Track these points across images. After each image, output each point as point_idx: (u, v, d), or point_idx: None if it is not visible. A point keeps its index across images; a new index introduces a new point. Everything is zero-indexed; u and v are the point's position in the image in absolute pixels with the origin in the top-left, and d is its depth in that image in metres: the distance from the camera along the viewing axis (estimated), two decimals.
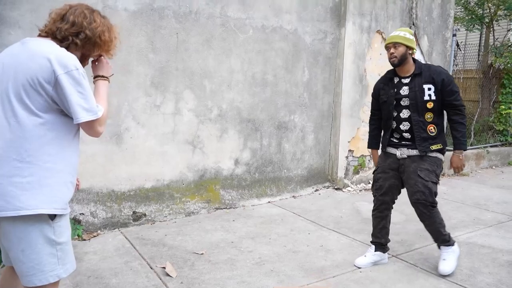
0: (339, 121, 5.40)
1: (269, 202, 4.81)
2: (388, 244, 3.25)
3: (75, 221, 3.60)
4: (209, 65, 4.34)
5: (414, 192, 2.93)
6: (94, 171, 3.75)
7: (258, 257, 3.25)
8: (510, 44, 8.90)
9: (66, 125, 1.69)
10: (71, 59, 1.64)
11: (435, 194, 2.93)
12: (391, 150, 3.12)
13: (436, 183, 2.95)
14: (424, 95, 2.94)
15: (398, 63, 2.99)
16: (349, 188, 5.47)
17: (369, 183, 5.72)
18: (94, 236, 3.57)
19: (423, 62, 6.20)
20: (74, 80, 1.61)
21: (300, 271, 3.01)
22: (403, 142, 3.06)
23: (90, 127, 1.69)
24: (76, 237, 3.46)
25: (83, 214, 3.67)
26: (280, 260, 3.20)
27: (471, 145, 7.57)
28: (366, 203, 4.81)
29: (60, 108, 1.65)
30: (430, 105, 2.94)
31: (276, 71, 4.87)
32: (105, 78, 1.86)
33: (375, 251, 3.20)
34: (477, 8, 9.25)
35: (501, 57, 8.25)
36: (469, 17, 9.26)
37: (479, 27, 9.43)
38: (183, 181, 4.31)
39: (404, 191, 3.12)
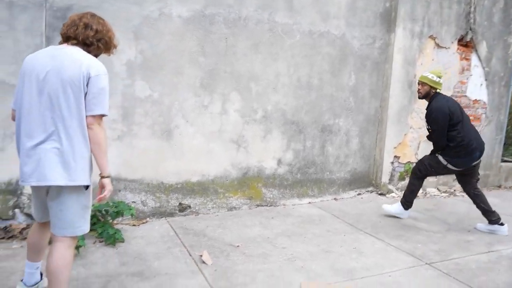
0: (386, 126, 5.36)
1: (309, 202, 4.92)
2: (423, 252, 3.56)
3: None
4: (256, 69, 4.55)
5: None
6: (146, 164, 4.11)
7: (291, 253, 3.39)
8: None
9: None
10: (102, 66, 2.12)
11: (418, 169, 4.22)
12: None
13: (423, 162, 4.20)
14: (426, 125, 4.18)
15: (422, 97, 4.16)
16: (393, 194, 5.42)
17: None
18: (143, 223, 3.91)
19: (480, 68, 5.99)
20: (102, 82, 2.09)
21: (330, 270, 3.11)
22: None
23: (96, 121, 2.09)
24: (130, 216, 3.78)
25: (135, 202, 4.03)
26: (312, 259, 3.31)
27: None
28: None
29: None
30: (430, 131, 4.13)
31: (322, 75, 4.97)
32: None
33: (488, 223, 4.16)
34: None
35: None
36: None
37: None
38: (227, 178, 4.55)
39: None
